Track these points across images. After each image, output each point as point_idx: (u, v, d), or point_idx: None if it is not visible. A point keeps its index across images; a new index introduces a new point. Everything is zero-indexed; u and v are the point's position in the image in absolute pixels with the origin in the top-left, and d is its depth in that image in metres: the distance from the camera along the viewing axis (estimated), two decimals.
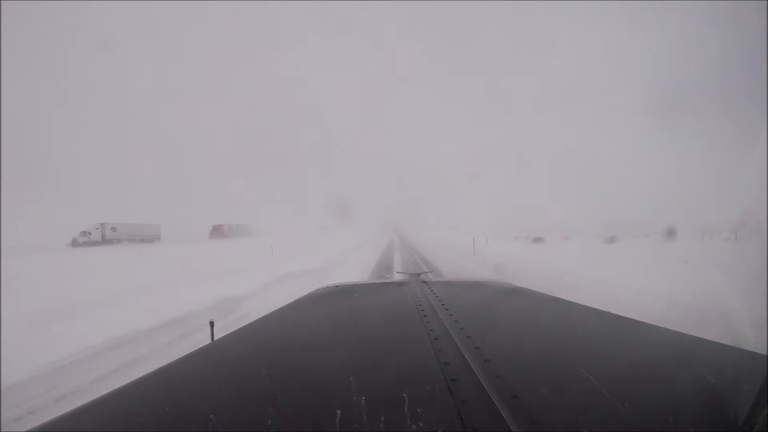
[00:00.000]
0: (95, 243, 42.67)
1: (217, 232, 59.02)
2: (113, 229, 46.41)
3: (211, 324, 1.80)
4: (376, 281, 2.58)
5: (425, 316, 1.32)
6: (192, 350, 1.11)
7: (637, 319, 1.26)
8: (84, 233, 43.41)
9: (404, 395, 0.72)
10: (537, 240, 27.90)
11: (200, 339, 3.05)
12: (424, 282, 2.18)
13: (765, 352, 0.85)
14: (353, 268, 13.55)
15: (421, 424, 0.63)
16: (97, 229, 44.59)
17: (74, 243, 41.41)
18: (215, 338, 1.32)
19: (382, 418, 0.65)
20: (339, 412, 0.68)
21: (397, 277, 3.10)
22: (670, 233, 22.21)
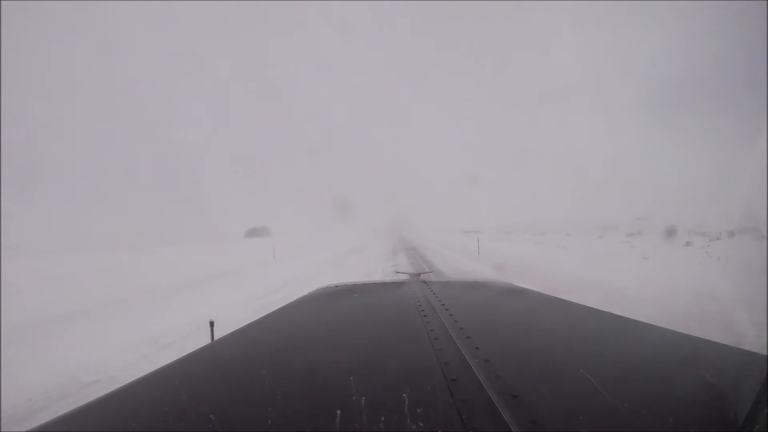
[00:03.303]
0: None
1: None
2: None
3: (211, 324, 1.80)
4: (376, 281, 2.58)
5: (425, 316, 1.32)
6: (192, 350, 1.11)
7: (637, 319, 1.26)
8: None
9: (404, 395, 0.72)
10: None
11: None
12: (424, 282, 2.18)
13: (765, 352, 0.85)
14: None
15: (421, 424, 0.63)
16: None
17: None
18: (215, 338, 1.32)
19: (382, 418, 0.65)
20: (339, 412, 0.68)
21: (398, 277, 3.10)
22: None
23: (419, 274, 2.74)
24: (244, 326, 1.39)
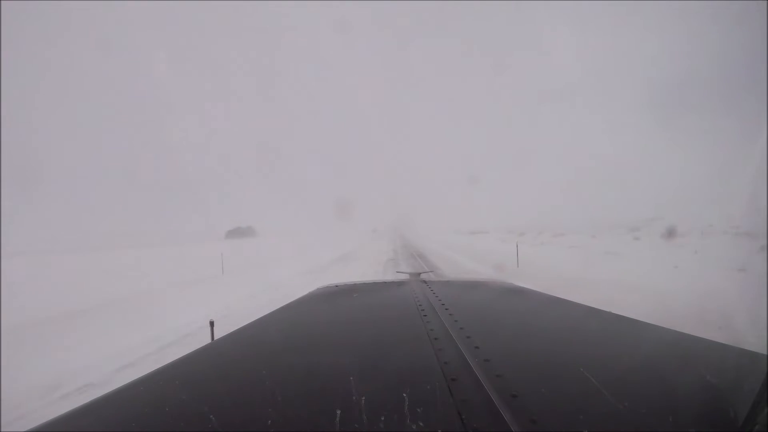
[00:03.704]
0: None
1: None
2: None
3: (211, 324, 1.81)
4: (376, 281, 2.58)
5: (425, 315, 1.32)
6: (192, 350, 1.11)
7: (637, 319, 1.26)
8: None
9: (404, 395, 0.72)
10: None
11: None
12: (424, 282, 2.18)
13: (765, 352, 0.85)
14: None
15: (421, 424, 0.63)
16: None
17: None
18: (215, 338, 1.32)
19: (382, 418, 0.65)
20: (339, 412, 0.68)
21: (398, 277, 3.10)
22: None
23: (419, 274, 2.74)
24: (244, 326, 1.40)
